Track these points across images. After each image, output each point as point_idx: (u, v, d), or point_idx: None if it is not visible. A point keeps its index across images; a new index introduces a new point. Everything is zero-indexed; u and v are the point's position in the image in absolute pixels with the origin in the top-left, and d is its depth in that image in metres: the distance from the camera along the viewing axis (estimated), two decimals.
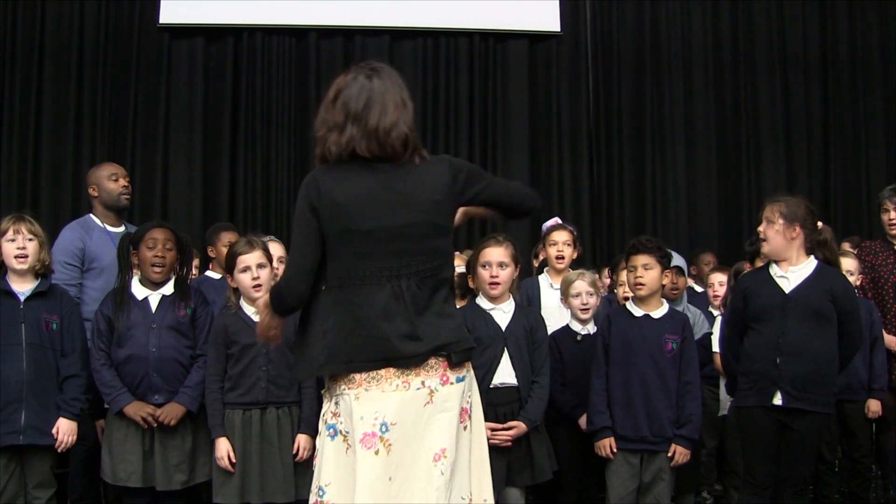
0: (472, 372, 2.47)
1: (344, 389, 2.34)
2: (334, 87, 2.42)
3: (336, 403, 2.37)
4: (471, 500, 2.39)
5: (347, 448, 2.34)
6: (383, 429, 2.30)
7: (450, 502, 2.31)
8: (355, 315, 2.33)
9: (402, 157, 2.36)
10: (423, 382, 2.34)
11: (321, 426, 2.42)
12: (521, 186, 2.62)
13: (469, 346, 2.43)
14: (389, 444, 2.30)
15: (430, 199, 2.36)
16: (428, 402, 2.33)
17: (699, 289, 5.52)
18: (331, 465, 2.35)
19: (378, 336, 2.31)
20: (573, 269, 4.17)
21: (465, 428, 2.41)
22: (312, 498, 2.38)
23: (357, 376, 2.32)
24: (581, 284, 3.91)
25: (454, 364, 2.38)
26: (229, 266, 3.56)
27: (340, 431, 2.35)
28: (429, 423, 2.33)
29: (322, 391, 2.48)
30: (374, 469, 2.28)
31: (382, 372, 2.32)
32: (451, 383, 2.37)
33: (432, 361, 2.35)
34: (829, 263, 3.62)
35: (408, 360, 2.32)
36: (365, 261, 2.33)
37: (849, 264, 4.39)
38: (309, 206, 2.35)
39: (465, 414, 2.41)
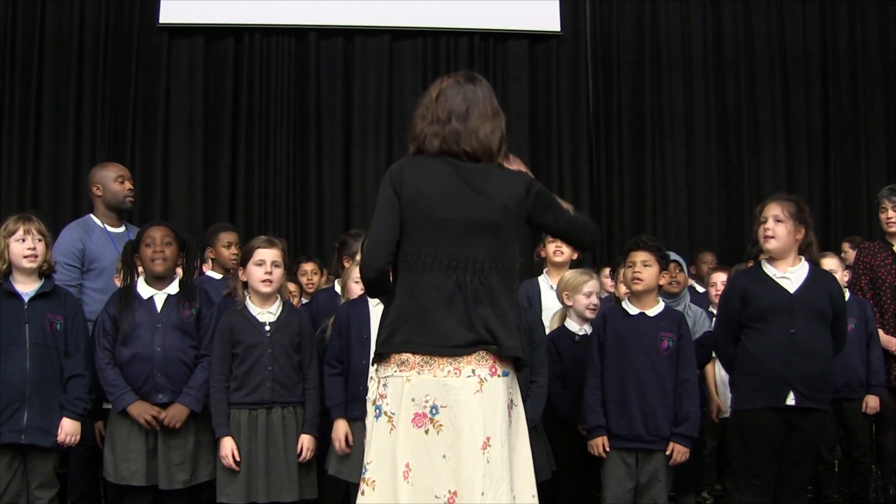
0: (514, 370, 2.56)
1: (395, 371, 2.46)
2: (435, 87, 2.60)
3: (384, 385, 2.48)
4: (514, 496, 2.47)
5: (391, 429, 2.45)
6: (433, 411, 2.42)
7: (495, 493, 2.39)
8: (418, 298, 2.46)
9: (491, 160, 2.54)
10: (473, 371, 2.45)
11: (368, 407, 2.54)
12: (583, 220, 2.72)
13: (516, 356, 2.51)
14: (440, 425, 2.41)
15: (502, 203, 2.51)
16: (478, 391, 2.43)
17: (700, 289, 5.51)
18: (375, 444, 2.47)
19: (436, 321, 2.43)
20: (570, 269, 4.16)
21: (509, 423, 2.50)
22: (361, 474, 2.51)
23: (411, 359, 2.45)
24: (594, 284, 3.90)
25: (502, 358, 2.48)
26: (244, 259, 3.60)
27: (385, 412, 2.47)
28: (478, 410, 2.42)
29: (371, 371, 2.58)
30: (426, 445, 2.40)
31: (436, 358, 2.43)
32: (498, 376, 2.48)
33: (483, 353, 2.46)
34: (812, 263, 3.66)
35: (458, 350, 2.43)
36: (435, 248, 2.47)
37: (833, 263, 4.43)
38: (392, 189, 2.51)
39: (509, 409, 2.50)
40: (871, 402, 4.35)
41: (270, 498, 3.42)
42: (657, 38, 7.29)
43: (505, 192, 2.51)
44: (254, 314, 3.54)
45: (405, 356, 2.45)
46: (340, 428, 3.47)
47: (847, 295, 4.42)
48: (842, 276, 4.44)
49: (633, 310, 3.69)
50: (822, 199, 7.37)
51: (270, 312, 3.56)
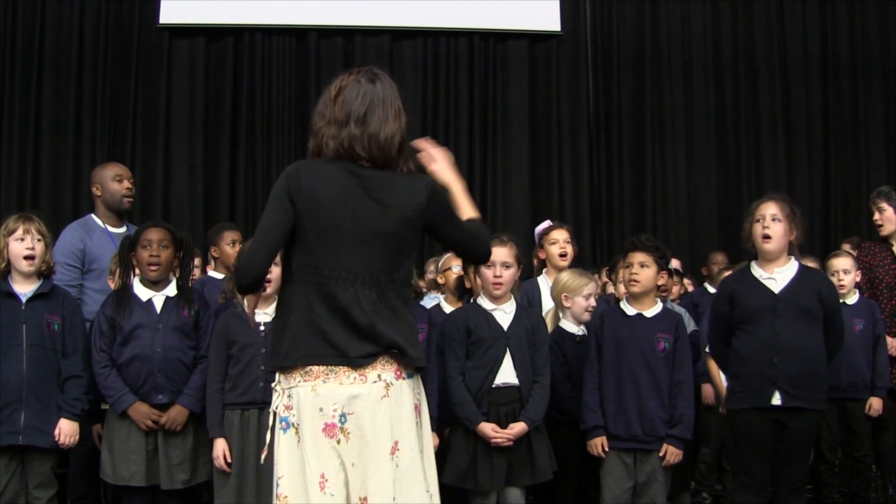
0: (417, 373, 2.52)
1: (299, 381, 2.39)
2: (335, 84, 2.49)
3: (289, 396, 2.42)
4: (431, 493, 2.44)
5: (298, 441, 2.39)
6: (342, 419, 2.36)
7: (407, 496, 2.37)
8: (316, 311, 2.38)
9: (393, 165, 2.44)
10: (378, 376, 2.39)
11: (272, 420, 2.46)
12: (477, 231, 2.60)
13: (417, 367, 2.47)
14: (348, 433, 2.36)
15: (404, 214, 2.42)
16: (384, 396, 2.39)
17: (712, 289, 5.50)
18: (284, 458, 2.41)
19: (337, 334, 2.37)
20: (566, 270, 4.15)
21: (417, 424, 2.46)
22: (274, 490, 2.44)
23: (315, 368, 2.38)
24: (593, 286, 3.89)
25: (404, 362, 2.43)
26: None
27: (293, 424, 2.41)
28: (385, 416, 2.38)
29: (272, 385, 2.50)
30: (338, 456, 2.35)
31: (340, 367, 2.38)
32: (404, 378, 2.43)
33: (387, 357, 2.41)
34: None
35: (361, 360, 2.38)
36: (333, 260, 2.38)
37: (845, 263, 4.43)
38: (287, 196, 2.38)
39: (416, 410, 2.47)
40: (875, 404, 4.35)
41: (261, 500, 3.38)
42: (657, 38, 7.30)
43: (407, 202, 2.42)
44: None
45: (309, 367, 2.38)
46: None
47: (856, 296, 4.43)
48: (854, 277, 4.44)
49: (630, 310, 3.69)
50: (822, 199, 7.38)
51: (266, 313, 3.54)
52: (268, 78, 6.80)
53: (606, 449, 3.60)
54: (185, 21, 6.72)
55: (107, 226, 4.21)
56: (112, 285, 3.74)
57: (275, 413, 2.45)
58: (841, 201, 7.38)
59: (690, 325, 4.40)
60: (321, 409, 2.36)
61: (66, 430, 3.41)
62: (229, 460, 3.40)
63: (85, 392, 3.48)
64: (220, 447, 3.41)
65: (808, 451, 3.71)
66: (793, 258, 3.64)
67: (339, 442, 2.36)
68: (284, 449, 2.41)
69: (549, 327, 3.96)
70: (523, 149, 7.02)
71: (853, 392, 4.31)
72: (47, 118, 6.59)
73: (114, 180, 4.24)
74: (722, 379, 4.61)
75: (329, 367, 2.37)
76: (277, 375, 2.47)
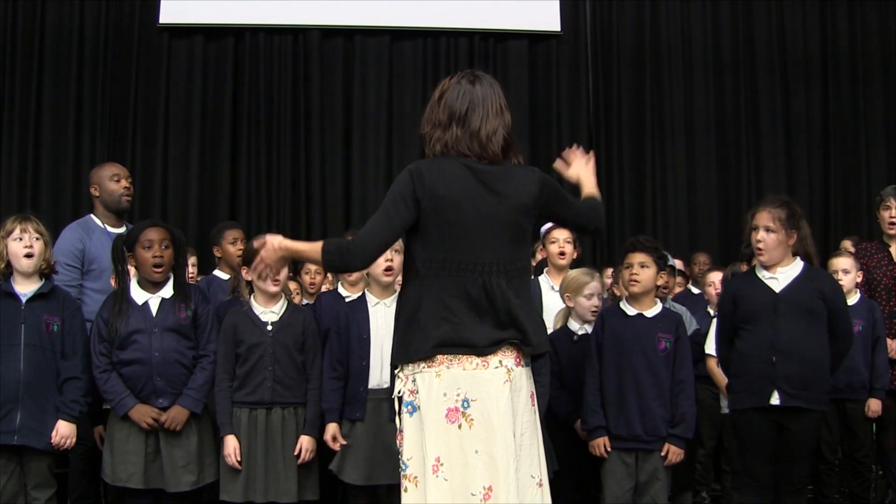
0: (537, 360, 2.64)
1: (423, 367, 2.49)
2: (439, 88, 2.65)
3: (413, 381, 2.51)
4: (541, 479, 2.53)
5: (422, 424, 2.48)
6: (465, 405, 2.45)
7: (519, 480, 2.45)
8: (447, 304, 2.48)
9: (500, 160, 2.56)
10: (500, 362, 2.50)
11: (397, 405, 2.56)
12: (586, 206, 2.80)
13: (540, 353, 2.60)
14: (472, 419, 2.44)
15: (520, 202, 2.54)
16: (507, 381, 2.48)
17: (696, 290, 5.50)
18: (411, 441, 2.49)
19: (466, 325, 2.47)
20: (573, 269, 4.15)
21: (535, 411, 2.56)
22: (401, 472, 2.53)
23: (440, 357, 2.48)
24: (595, 285, 3.89)
25: (523, 350, 2.54)
26: (247, 260, 3.55)
27: (418, 408, 2.49)
28: (507, 400, 2.46)
29: (395, 371, 2.60)
30: (459, 441, 2.43)
31: (465, 355, 2.48)
32: (522, 366, 2.54)
33: (508, 345, 2.51)
34: (807, 257, 3.63)
35: (487, 349, 2.48)
36: (459, 253, 2.49)
37: (845, 263, 4.41)
38: (412, 196, 2.49)
39: (532, 398, 2.57)
40: (874, 406, 4.33)
41: (268, 498, 3.41)
42: (657, 38, 7.30)
43: (523, 192, 2.55)
44: (257, 313, 3.53)
45: (434, 355, 2.48)
46: (330, 429, 3.48)
47: (857, 296, 4.41)
48: (854, 277, 4.42)
49: (630, 310, 3.69)
50: (822, 199, 7.39)
51: (273, 312, 3.55)
52: (268, 78, 6.80)
53: (609, 449, 3.60)
54: (184, 21, 6.72)
55: (106, 226, 4.21)
56: (115, 284, 3.73)
57: (399, 398, 2.54)
58: (841, 201, 7.38)
59: (692, 325, 4.38)
60: (445, 394, 2.46)
61: (63, 432, 3.39)
62: (239, 458, 3.41)
63: (84, 394, 3.47)
64: (231, 444, 3.42)
65: (810, 452, 3.70)
66: (798, 258, 3.62)
67: (460, 427, 2.44)
68: (412, 432, 2.50)
69: (559, 324, 3.97)
70: (523, 149, 6.96)
71: (851, 393, 4.29)
72: (47, 118, 6.60)
73: (111, 180, 4.24)
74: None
75: (454, 356, 2.47)
76: (398, 365, 2.57)
